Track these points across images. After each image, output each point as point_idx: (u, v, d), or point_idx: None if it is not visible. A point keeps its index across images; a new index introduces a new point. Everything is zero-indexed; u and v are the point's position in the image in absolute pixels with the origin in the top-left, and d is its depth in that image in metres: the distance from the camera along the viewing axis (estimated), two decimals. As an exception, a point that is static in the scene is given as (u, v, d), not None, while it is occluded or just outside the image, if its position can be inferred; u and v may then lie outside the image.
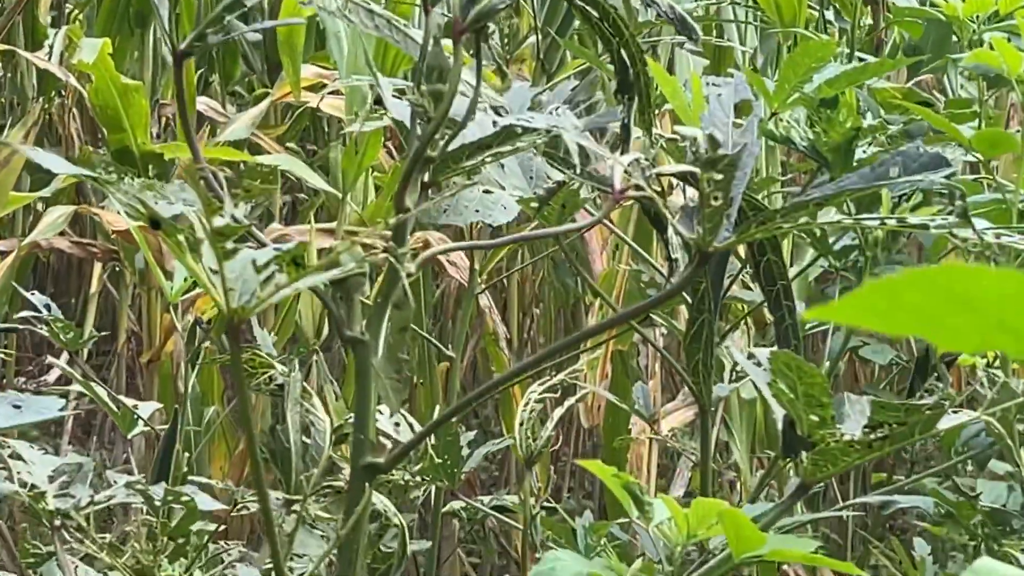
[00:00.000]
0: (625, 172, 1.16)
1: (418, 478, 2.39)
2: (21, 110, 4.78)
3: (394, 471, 2.18)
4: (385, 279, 1.09)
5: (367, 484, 1.19)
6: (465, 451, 2.39)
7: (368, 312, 1.16)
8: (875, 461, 4.62)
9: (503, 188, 1.98)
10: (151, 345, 3.90)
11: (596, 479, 4.19)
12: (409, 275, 1.10)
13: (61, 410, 1.08)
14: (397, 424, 1.34)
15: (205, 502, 1.36)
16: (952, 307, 0.55)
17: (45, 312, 2.36)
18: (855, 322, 0.56)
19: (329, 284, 1.13)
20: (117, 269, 4.58)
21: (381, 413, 1.28)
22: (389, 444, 1.26)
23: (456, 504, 2.64)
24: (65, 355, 2.81)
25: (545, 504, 2.31)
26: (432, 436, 2.30)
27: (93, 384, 2.36)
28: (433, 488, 2.80)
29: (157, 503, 1.27)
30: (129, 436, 2.29)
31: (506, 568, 4.72)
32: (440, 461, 2.09)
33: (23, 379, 4.78)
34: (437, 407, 3.69)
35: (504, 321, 4.36)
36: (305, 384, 1.30)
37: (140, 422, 2.30)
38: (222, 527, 2.53)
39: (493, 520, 2.90)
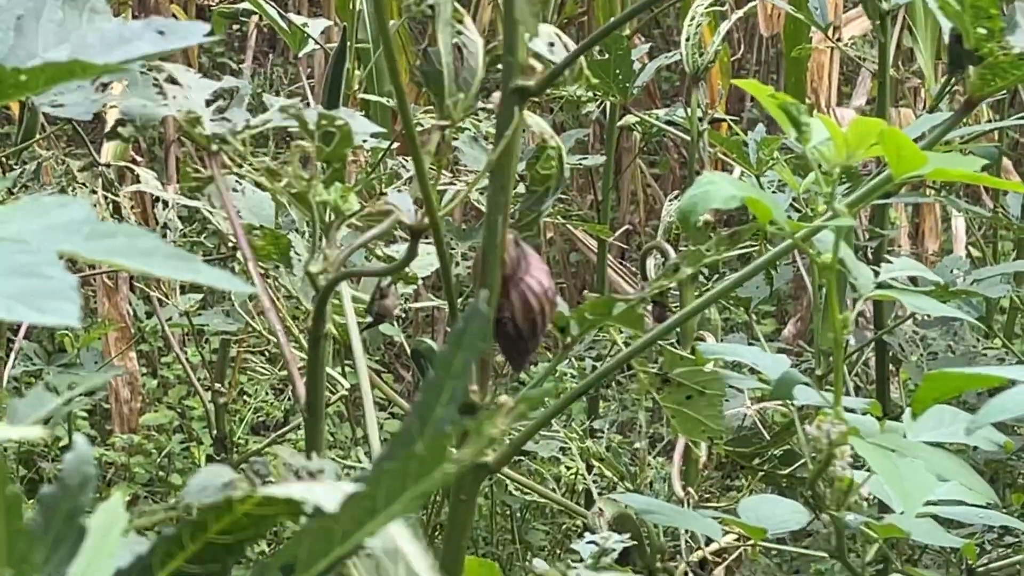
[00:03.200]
0: None
1: (589, 93, 2.37)
2: None
3: (564, 87, 2.16)
4: None
5: (516, 107, 1.18)
6: (637, 65, 2.36)
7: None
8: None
9: None
10: (326, -40, 3.88)
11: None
12: None
13: (207, 35, 1.06)
14: (551, 44, 1.31)
15: (363, 125, 1.35)
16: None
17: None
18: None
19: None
20: None
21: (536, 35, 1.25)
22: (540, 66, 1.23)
23: (631, 118, 2.62)
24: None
25: (716, 116, 2.27)
26: (604, 51, 2.26)
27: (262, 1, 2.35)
28: (608, 103, 2.78)
29: (311, 127, 1.27)
30: (299, 54, 2.30)
31: (687, 180, 4.71)
32: (602, 78, 2.06)
33: (204, -3, 4.79)
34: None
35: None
36: (457, 4, 1.27)
37: (310, 40, 2.30)
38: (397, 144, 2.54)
39: (672, 133, 2.88)
